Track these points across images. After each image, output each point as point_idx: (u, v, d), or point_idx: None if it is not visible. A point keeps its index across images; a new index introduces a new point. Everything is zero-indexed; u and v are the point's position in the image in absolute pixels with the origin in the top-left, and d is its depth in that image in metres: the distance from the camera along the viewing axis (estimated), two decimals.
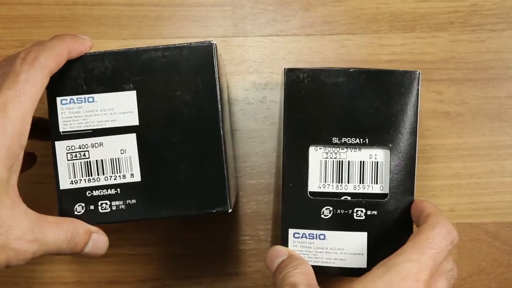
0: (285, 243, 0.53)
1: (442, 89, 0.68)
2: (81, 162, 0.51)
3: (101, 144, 0.51)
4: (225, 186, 0.51)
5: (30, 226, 0.45)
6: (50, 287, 0.68)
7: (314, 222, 0.53)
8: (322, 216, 0.53)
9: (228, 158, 0.53)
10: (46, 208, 0.50)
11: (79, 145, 0.51)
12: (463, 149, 0.68)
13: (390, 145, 0.52)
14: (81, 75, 0.51)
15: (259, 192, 0.68)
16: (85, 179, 0.51)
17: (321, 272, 0.51)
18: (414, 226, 0.52)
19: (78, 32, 0.66)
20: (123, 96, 0.50)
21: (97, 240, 0.50)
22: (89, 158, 0.51)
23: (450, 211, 0.68)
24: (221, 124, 0.51)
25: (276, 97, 0.68)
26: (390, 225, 0.52)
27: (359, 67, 0.53)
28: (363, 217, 0.53)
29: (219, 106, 0.51)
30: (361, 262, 0.53)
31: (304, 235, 0.53)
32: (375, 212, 0.52)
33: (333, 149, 0.53)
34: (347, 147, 0.53)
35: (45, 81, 0.46)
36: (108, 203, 0.51)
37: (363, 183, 0.53)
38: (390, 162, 0.52)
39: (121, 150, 0.51)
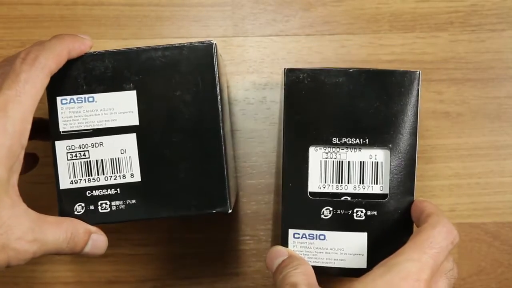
0: (285, 243, 0.53)
1: (442, 89, 0.68)
2: (81, 162, 0.51)
3: (101, 144, 0.51)
4: (225, 187, 0.51)
5: (30, 226, 0.45)
6: (50, 287, 0.68)
7: (314, 223, 0.53)
8: (322, 216, 0.53)
9: (228, 158, 0.53)
10: (47, 208, 0.50)
11: (79, 145, 0.51)
12: (463, 149, 0.68)
13: (390, 145, 0.52)
14: (81, 75, 0.51)
15: (259, 192, 0.68)
16: (85, 179, 0.51)
17: (321, 273, 0.51)
18: (414, 226, 0.52)
19: (78, 32, 0.66)
20: (123, 96, 0.50)
21: (97, 240, 0.50)
22: (89, 158, 0.51)
23: (450, 211, 0.68)
24: (221, 124, 0.51)
25: (276, 97, 0.68)
26: (390, 225, 0.52)
27: (359, 67, 0.53)
28: (363, 218, 0.53)
29: (219, 106, 0.51)
30: (361, 262, 0.53)
31: (304, 236, 0.53)
32: (375, 213, 0.52)
33: (333, 149, 0.53)
34: (347, 147, 0.53)
35: (46, 81, 0.46)
36: (108, 203, 0.51)
37: (363, 183, 0.53)
38: (390, 162, 0.52)
39: (121, 150, 0.51)
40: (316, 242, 0.53)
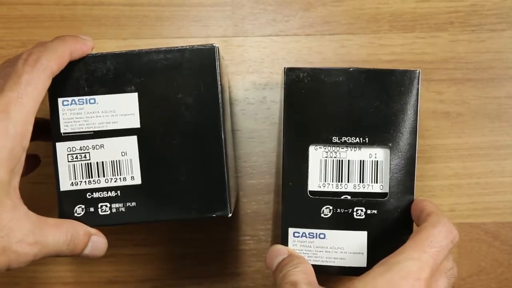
0: (285, 242, 0.53)
1: (442, 89, 0.68)
2: (81, 164, 0.51)
3: (102, 146, 0.51)
4: (226, 191, 0.51)
5: (31, 228, 0.45)
6: (50, 287, 0.68)
7: (314, 221, 0.53)
8: (322, 215, 0.53)
9: (229, 159, 0.53)
10: (47, 209, 0.50)
11: (80, 147, 0.50)
12: (463, 149, 0.68)
13: (390, 144, 0.52)
14: (83, 76, 0.50)
15: (259, 192, 0.68)
16: (85, 181, 0.51)
17: (321, 271, 0.51)
18: (414, 225, 0.52)
19: (78, 32, 0.66)
20: (125, 98, 0.50)
21: (97, 242, 0.50)
22: (89, 159, 0.51)
23: (450, 211, 0.68)
24: (222, 128, 0.51)
25: (276, 97, 0.68)
26: (390, 224, 0.53)
27: (359, 67, 0.53)
28: (363, 216, 0.53)
29: (221, 110, 0.51)
30: (361, 261, 0.53)
31: (304, 234, 0.53)
32: (375, 211, 0.53)
33: (333, 148, 0.53)
34: (347, 146, 0.53)
35: (47, 82, 0.46)
36: (108, 205, 0.51)
37: (363, 182, 0.53)
38: (390, 161, 0.53)
39: (122, 152, 0.51)
40: (316, 241, 0.53)
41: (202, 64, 0.50)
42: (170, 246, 0.69)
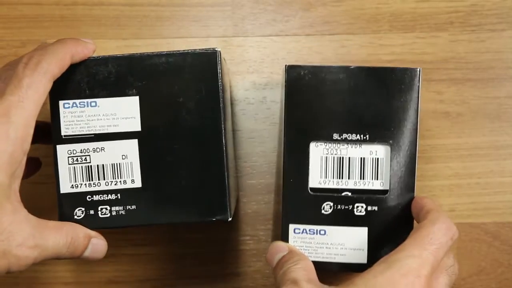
0: (285, 238, 0.54)
1: (442, 89, 0.68)
2: (82, 167, 0.51)
3: (102, 149, 0.51)
4: (226, 195, 0.51)
5: (31, 232, 0.45)
6: (50, 287, 0.68)
7: (315, 218, 0.53)
8: (323, 211, 0.53)
9: (229, 160, 0.53)
10: (46, 209, 0.50)
11: (81, 150, 0.51)
12: (463, 149, 0.68)
13: (390, 141, 0.52)
14: (84, 79, 0.51)
15: (260, 192, 0.68)
16: (85, 184, 0.51)
17: (321, 268, 0.52)
18: (415, 222, 0.53)
19: (78, 32, 0.66)
20: (126, 101, 0.50)
21: (96, 245, 0.50)
22: (90, 162, 0.51)
23: (450, 211, 0.68)
24: (223, 132, 0.51)
25: (276, 97, 0.68)
26: (390, 220, 0.53)
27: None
28: (364, 213, 0.53)
29: (222, 114, 0.51)
30: (361, 257, 0.53)
31: (304, 231, 0.53)
32: (376, 208, 0.53)
33: (334, 145, 0.53)
34: (348, 143, 0.53)
35: (48, 86, 0.46)
36: (108, 208, 0.51)
37: (363, 179, 0.53)
38: (391, 158, 0.53)
39: (122, 155, 0.51)
40: (316, 237, 0.53)
41: (203, 69, 0.50)
42: (170, 246, 0.69)
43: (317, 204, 0.53)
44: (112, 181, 0.51)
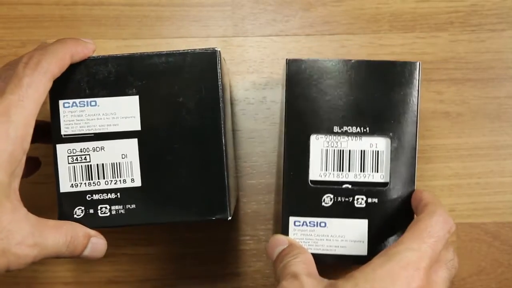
0: (285, 231, 0.54)
1: (442, 89, 0.68)
2: (81, 166, 0.51)
3: (102, 148, 0.51)
4: (226, 194, 0.51)
5: (30, 230, 0.45)
6: (50, 287, 0.68)
7: (315, 210, 0.53)
8: (323, 204, 0.53)
9: (229, 160, 0.53)
10: (46, 209, 0.50)
11: (80, 149, 0.51)
12: (463, 149, 0.68)
13: (390, 134, 0.53)
14: (84, 79, 0.51)
15: (260, 192, 0.68)
16: (85, 183, 0.51)
17: (322, 260, 0.52)
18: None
19: (78, 32, 0.66)
20: (126, 100, 0.51)
21: (96, 244, 0.50)
22: (90, 162, 0.51)
23: (450, 211, 0.68)
24: (223, 132, 0.51)
25: (276, 97, 0.68)
26: (390, 212, 0.53)
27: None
28: (364, 205, 0.53)
29: (222, 114, 0.51)
30: (361, 249, 0.53)
31: (305, 223, 0.53)
32: (376, 200, 0.53)
33: (334, 138, 0.53)
34: (348, 136, 0.53)
35: (48, 85, 0.46)
36: (108, 207, 0.51)
37: (363, 171, 0.54)
38: (391, 151, 0.53)
39: (122, 155, 0.51)
40: (317, 230, 0.53)
41: (203, 68, 0.51)
42: (170, 246, 0.69)
43: (318, 196, 0.53)
44: (111, 180, 0.51)
